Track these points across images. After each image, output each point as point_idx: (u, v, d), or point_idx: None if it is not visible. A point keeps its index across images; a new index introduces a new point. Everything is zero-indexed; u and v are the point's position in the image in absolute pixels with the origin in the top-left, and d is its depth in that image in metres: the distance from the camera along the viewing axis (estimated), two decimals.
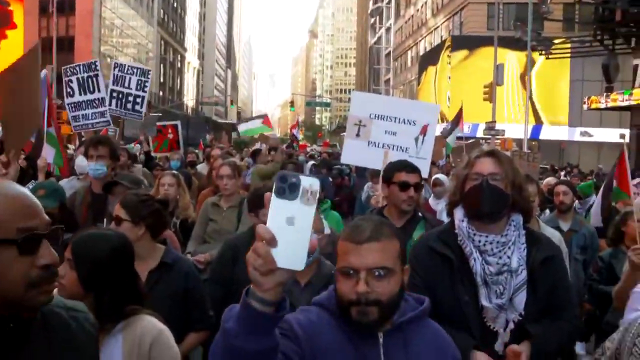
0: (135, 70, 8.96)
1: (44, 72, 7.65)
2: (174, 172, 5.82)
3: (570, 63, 39.16)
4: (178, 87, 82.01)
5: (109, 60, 53.29)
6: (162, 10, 72.67)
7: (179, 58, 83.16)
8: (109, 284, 2.41)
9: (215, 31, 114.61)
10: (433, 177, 7.74)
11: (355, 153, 5.82)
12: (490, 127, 27.95)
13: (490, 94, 30.07)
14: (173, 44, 78.16)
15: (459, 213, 2.76)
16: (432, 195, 7.53)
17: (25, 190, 1.54)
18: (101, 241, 2.53)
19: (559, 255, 2.84)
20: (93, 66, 8.38)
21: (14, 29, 35.07)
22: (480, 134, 32.31)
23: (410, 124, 5.65)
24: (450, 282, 2.68)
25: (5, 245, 1.42)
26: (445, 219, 6.91)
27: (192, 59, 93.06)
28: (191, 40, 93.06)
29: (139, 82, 8.88)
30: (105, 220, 4.07)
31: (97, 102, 8.27)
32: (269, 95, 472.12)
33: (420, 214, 3.97)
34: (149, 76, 9.00)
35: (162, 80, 72.37)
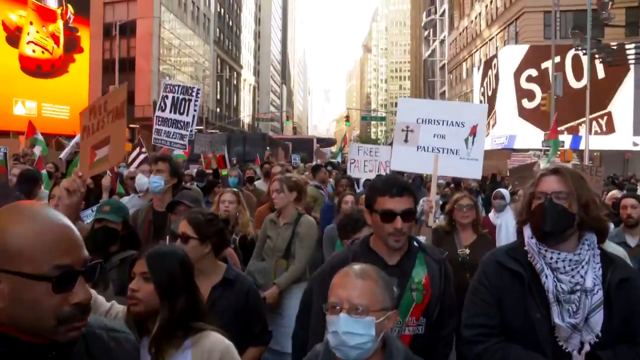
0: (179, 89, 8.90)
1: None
2: (235, 189, 5.89)
3: (634, 69, 37.81)
4: (234, 103, 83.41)
5: (167, 79, 54.78)
6: (218, 29, 74.23)
7: (235, 75, 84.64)
8: (180, 295, 2.51)
9: (270, 48, 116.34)
10: (495, 191, 7.59)
11: (404, 159, 5.71)
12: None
13: (548, 104, 29.39)
14: (229, 62, 79.65)
15: (527, 231, 2.70)
16: (493, 209, 7.37)
17: (68, 224, 1.48)
18: (172, 254, 2.67)
19: (635, 278, 2.71)
20: (191, 91, 8.66)
21: (81, 53, 36.56)
22: (538, 145, 31.57)
23: (458, 125, 5.53)
24: (520, 299, 2.62)
25: (40, 280, 1.39)
26: (504, 236, 6.83)
27: (247, 75, 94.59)
28: (247, 57, 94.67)
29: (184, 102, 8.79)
30: (167, 237, 4.16)
31: (182, 124, 8.55)
32: (324, 110, 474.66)
33: (416, 244, 3.03)
34: (193, 94, 8.79)
35: (218, 97, 73.78)
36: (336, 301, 2.09)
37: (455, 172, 6.46)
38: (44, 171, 8.86)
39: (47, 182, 8.13)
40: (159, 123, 8.68)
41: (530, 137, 36.57)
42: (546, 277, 2.57)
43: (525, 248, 2.67)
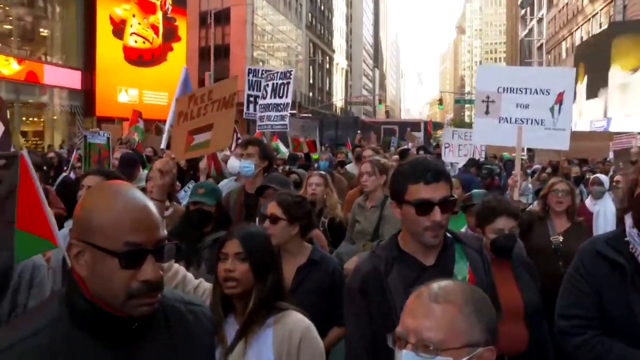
0: (274, 75, 9.26)
1: (184, 69, 8.29)
2: (322, 172, 5.97)
3: None
4: (327, 87, 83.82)
5: (261, 64, 55.84)
6: (309, 14, 74.68)
7: (327, 59, 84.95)
8: (270, 274, 2.59)
9: (362, 32, 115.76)
10: (592, 176, 7.24)
11: (486, 132, 5.51)
12: None
13: None
14: (321, 46, 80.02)
15: (629, 219, 2.55)
16: (590, 195, 7.04)
17: (146, 204, 1.58)
18: (261, 234, 2.77)
19: None
20: (289, 74, 8.95)
21: (179, 41, 37.97)
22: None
23: (543, 93, 5.23)
24: (621, 291, 2.48)
25: (110, 255, 1.49)
26: (601, 224, 6.50)
27: (340, 59, 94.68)
28: (339, 41, 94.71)
29: (280, 86, 9.11)
30: (257, 219, 4.29)
31: (282, 106, 8.83)
32: (417, 93, 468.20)
33: (449, 235, 2.54)
34: (291, 77, 9.10)
35: (311, 81, 74.38)
36: (402, 332, 1.53)
37: (540, 144, 6.15)
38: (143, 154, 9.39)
39: (147, 165, 8.58)
40: (262, 110, 8.98)
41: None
42: None
43: (627, 238, 2.52)
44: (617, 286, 2.49)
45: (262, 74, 9.36)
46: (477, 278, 2.46)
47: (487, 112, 5.39)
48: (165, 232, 1.62)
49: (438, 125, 42.02)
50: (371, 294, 2.37)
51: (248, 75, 9.41)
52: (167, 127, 8.04)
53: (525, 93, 5.28)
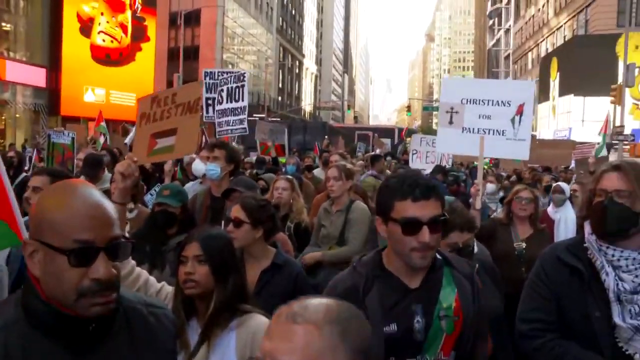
0: (229, 78, 9.10)
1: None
2: (289, 176, 5.97)
3: None
4: (296, 92, 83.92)
5: (230, 67, 55.58)
6: (280, 18, 74.72)
7: (297, 64, 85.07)
8: (231, 276, 2.58)
9: (332, 37, 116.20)
10: (554, 184, 7.39)
11: (450, 141, 5.59)
12: (618, 132, 26.24)
13: (618, 97, 28.26)
14: (291, 50, 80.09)
15: (587, 227, 2.61)
16: (552, 203, 7.18)
17: (100, 202, 1.55)
18: (222, 236, 2.76)
19: None
20: (242, 77, 8.85)
21: (148, 42, 37.60)
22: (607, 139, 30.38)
23: (504, 105, 5.35)
24: (579, 296, 2.54)
25: (60, 253, 1.47)
26: (562, 231, 6.65)
27: (309, 64, 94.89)
28: (309, 46, 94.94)
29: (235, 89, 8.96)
30: (222, 222, 4.26)
31: (239, 110, 8.73)
32: (385, 99, 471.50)
33: (439, 256, 2.36)
34: (245, 79, 8.95)
35: (280, 85, 74.37)
36: (260, 356, 1.35)
37: (502, 154, 6.33)
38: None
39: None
40: (220, 116, 8.86)
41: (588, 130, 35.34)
42: (607, 274, 2.48)
43: (585, 244, 2.58)
44: (575, 291, 2.55)
45: (218, 76, 9.19)
46: (464, 306, 2.27)
47: (450, 122, 5.49)
48: (120, 231, 1.59)
49: (413, 132, 42.44)
50: None
51: (205, 78, 9.25)
52: (134, 127, 7.95)
53: (487, 104, 5.41)
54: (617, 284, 2.45)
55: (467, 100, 5.45)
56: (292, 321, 1.30)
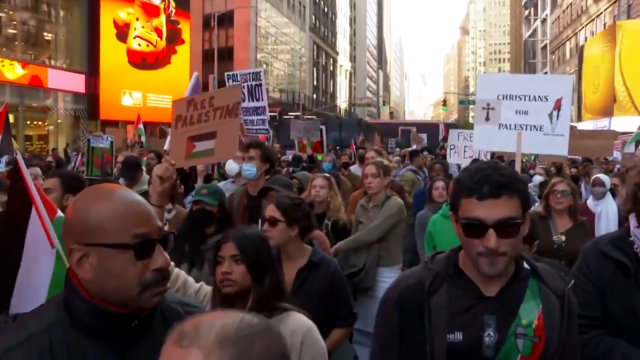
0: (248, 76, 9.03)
1: (195, 75, 8.30)
2: (326, 174, 5.98)
3: None
4: (331, 89, 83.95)
5: (265, 67, 55.95)
6: (313, 16, 74.81)
7: (331, 61, 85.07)
8: (267, 274, 2.62)
9: (365, 33, 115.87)
10: (593, 177, 7.24)
11: (486, 138, 5.56)
12: None
13: None
14: (325, 48, 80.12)
15: (633, 220, 2.53)
16: (592, 196, 7.03)
17: (139, 198, 1.62)
18: (256, 235, 2.80)
19: None
20: (258, 75, 8.85)
21: (182, 44, 38.09)
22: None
23: (541, 100, 5.29)
24: (625, 291, 2.46)
25: (123, 249, 1.51)
26: (604, 224, 6.51)
27: (344, 61, 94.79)
28: (342, 43, 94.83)
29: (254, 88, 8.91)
30: (260, 221, 4.31)
31: (260, 109, 8.75)
32: (421, 94, 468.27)
33: (527, 266, 2.03)
34: (261, 78, 8.91)
35: (315, 83, 74.50)
36: None
37: (539, 149, 6.24)
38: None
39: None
40: (243, 114, 8.88)
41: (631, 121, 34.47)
42: None
43: (631, 238, 2.50)
44: (620, 286, 2.48)
45: (239, 77, 9.16)
46: (548, 327, 1.93)
47: (487, 119, 5.46)
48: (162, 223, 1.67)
49: (452, 126, 42.04)
50: (408, 311, 1.99)
51: (228, 81, 9.23)
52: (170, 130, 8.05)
53: (524, 100, 5.35)
54: None
55: (503, 96, 5.41)
56: (178, 344, 1.08)
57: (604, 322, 2.53)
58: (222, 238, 2.73)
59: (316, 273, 3.44)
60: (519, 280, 1.98)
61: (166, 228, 4.13)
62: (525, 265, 2.02)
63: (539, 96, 5.31)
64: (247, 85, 8.81)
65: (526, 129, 5.31)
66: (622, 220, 6.69)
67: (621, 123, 35.34)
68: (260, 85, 8.73)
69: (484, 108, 5.48)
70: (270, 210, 3.47)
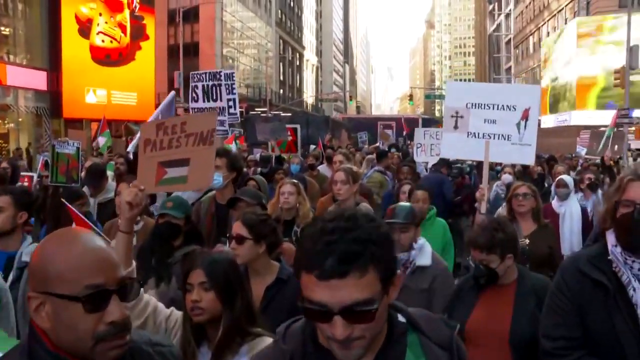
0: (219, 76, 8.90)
1: (172, 94, 8.16)
2: (294, 180, 5.98)
3: None
4: (298, 84, 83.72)
5: (231, 62, 55.54)
6: (279, 11, 74.46)
7: (298, 56, 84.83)
8: (237, 299, 2.59)
9: (332, 27, 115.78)
10: (557, 178, 7.37)
11: (455, 146, 5.58)
12: (623, 114, 26.09)
13: (622, 79, 28.13)
14: (291, 43, 79.86)
15: (611, 237, 2.50)
16: (556, 197, 7.15)
17: (101, 246, 1.56)
18: (224, 259, 2.75)
19: None
20: (218, 75, 8.70)
21: (147, 40, 37.51)
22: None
23: (510, 109, 5.32)
24: (604, 311, 2.44)
25: (73, 301, 1.46)
26: (567, 225, 6.63)
27: (310, 56, 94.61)
28: (309, 37, 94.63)
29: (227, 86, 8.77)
30: (228, 235, 4.28)
31: (218, 110, 8.60)
32: (387, 88, 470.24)
33: (401, 319, 1.66)
34: (234, 78, 8.83)
35: (281, 78, 74.22)
36: None
37: (507, 159, 6.32)
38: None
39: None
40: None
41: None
42: (634, 290, 2.38)
43: (610, 257, 2.47)
44: (600, 306, 2.46)
45: (196, 77, 8.98)
46: None
47: (455, 127, 5.47)
48: (124, 272, 1.60)
49: (433, 122, 42.13)
50: None
51: (193, 80, 9.02)
52: (138, 134, 7.91)
53: (493, 109, 5.38)
54: None
55: (472, 104, 5.42)
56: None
57: (583, 342, 2.51)
58: (190, 264, 2.69)
59: (284, 290, 3.42)
60: (395, 341, 1.60)
61: (134, 241, 4.10)
62: (401, 317, 1.64)
63: (507, 105, 5.34)
64: (202, 85, 8.66)
65: (494, 138, 5.33)
66: (587, 223, 6.83)
67: (581, 117, 36.16)
68: (219, 85, 8.58)
69: (452, 116, 5.49)
70: (237, 228, 3.44)
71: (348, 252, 1.41)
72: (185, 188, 3.58)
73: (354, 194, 5.64)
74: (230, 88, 8.69)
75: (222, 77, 8.64)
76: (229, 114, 8.88)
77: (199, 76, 8.79)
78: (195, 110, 8.76)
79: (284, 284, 3.44)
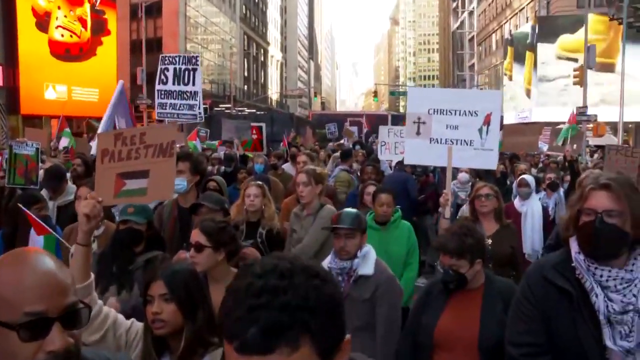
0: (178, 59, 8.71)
1: (120, 83, 7.99)
2: (259, 182, 5.96)
3: None
4: (262, 80, 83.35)
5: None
6: (244, 6, 73.97)
7: (262, 52, 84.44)
8: (199, 309, 2.56)
9: (296, 23, 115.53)
10: (519, 178, 7.49)
11: (417, 152, 5.59)
12: (581, 112, 26.66)
13: (580, 77, 28.72)
14: (256, 39, 79.42)
15: (574, 245, 2.52)
16: (518, 196, 7.28)
17: (48, 269, 1.46)
18: (184, 270, 2.72)
19: None
20: (194, 60, 8.57)
21: (108, 35, 36.87)
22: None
23: (472, 115, 5.35)
24: (569, 317, 2.48)
25: (8, 328, 1.38)
26: (529, 224, 6.74)
27: (275, 52, 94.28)
28: (273, 33, 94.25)
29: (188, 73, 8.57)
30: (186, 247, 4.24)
31: (188, 94, 8.44)
32: (352, 84, 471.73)
33: None
34: (198, 63, 8.64)
35: (246, 74, 73.79)
36: None
37: (469, 164, 6.38)
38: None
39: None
40: (162, 96, 8.57)
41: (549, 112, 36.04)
42: (596, 296, 2.42)
43: (573, 264, 2.51)
44: (565, 312, 2.50)
45: (171, 60, 8.76)
46: None
47: (418, 133, 5.48)
48: (75, 297, 1.50)
49: (402, 119, 42.22)
50: None
51: (161, 64, 8.80)
52: (99, 130, 7.75)
53: (455, 114, 5.40)
54: (607, 305, 2.40)
55: (434, 110, 5.44)
56: None
57: (549, 348, 2.55)
58: (150, 276, 2.65)
59: None
60: None
61: (95, 246, 4.01)
62: None
63: (469, 111, 5.37)
64: (175, 69, 8.52)
65: (457, 144, 5.35)
66: (548, 222, 6.95)
67: (542, 114, 36.86)
68: (195, 70, 8.44)
69: (414, 122, 5.49)
70: (196, 236, 3.42)
71: (275, 323, 1.10)
72: (145, 200, 3.51)
73: (317, 195, 5.62)
74: (199, 73, 8.55)
75: (199, 64, 8.54)
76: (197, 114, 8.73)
77: (171, 59, 8.64)
78: (163, 93, 8.61)
79: None
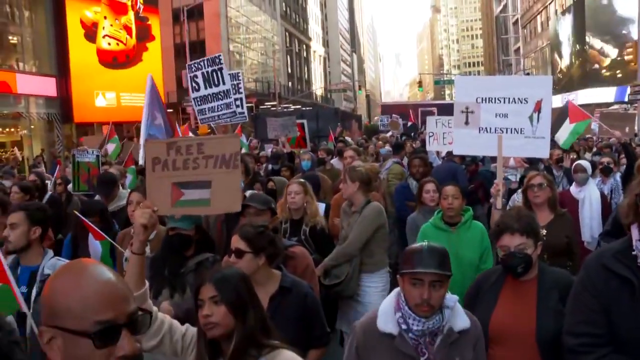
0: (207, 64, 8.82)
1: (149, 76, 8.12)
2: (301, 180, 5.93)
3: None
4: (306, 76, 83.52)
5: (238, 57, 55.48)
6: (283, 3, 74.21)
7: (305, 48, 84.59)
8: (249, 311, 2.58)
9: (337, 17, 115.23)
10: (574, 163, 7.25)
11: (467, 142, 5.43)
12: (636, 91, 25.72)
13: (635, 54, 27.75)
14: (297, 35, 79.62)
15: (635, 232, 2.44)
16: (574, 183, 7.03)
17: (111, 280, 1.55)
18: (234, 273, 2.74)
19: None
20: (217, 60, 8.66)
21: (153, 41, 37.57)
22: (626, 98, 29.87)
23: (521, 102, 5.16)
24: (630, 307, 2.40)
25: (82, 336, 1.46)
26: (587, 211, 6.50)
27: (317, 47, 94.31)
28: (314, 29, 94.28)
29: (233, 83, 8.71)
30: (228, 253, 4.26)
31: (222, 94, 8.55)
32: (396, 75, 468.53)
33: None
34: (222, 62, 8.77)
35: (289, 71, 74.08)
36: None
37: (520, 152, 6.19)
38: (132, 166, 9.22)
39: (134, 178, 8.32)
40: (199, 103, 8.69)
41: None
42: None
43: (634, 252, 2.43)
44: (626, 302, 2.41)
45: (193, 68, 8.91)
46: None
47: (466, 123, 5.31)
48: (135, 305, 1.58)
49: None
50: None
51: (191, 71, 8.94)
52: (141, 140, 7.88)
53: (504, 102, 5.23)
54: None
55: (482, 99, 5.27)
56: None
57: (609, 339, 2.47)
58: (200, 280, 2.69)
59: (289, 298, 3.45)
60: None
61: (148, 250, 4.09)
62: None
63: (519, 98, 5.18)
64: (202, 73, 8.62)
65: (507, 132, 5.19)
66: (606, 207, 6.70)
67: (588, 95, 35.80)
68: (220, 69, 8.53)
69: (462, 112, 5.34)
70: (235, 242, 3.44)
71: None
72: (209, 211, 3.52)
73: (359, 191, 5.55)
74: (236, 88, 8.64)
75: (222, 62, 8.66)
76: (238, 114, 8.86)
77: (196, 65, 8.77)
78: (199, 99, 8.73)
79: (288, 292, 3.47)
